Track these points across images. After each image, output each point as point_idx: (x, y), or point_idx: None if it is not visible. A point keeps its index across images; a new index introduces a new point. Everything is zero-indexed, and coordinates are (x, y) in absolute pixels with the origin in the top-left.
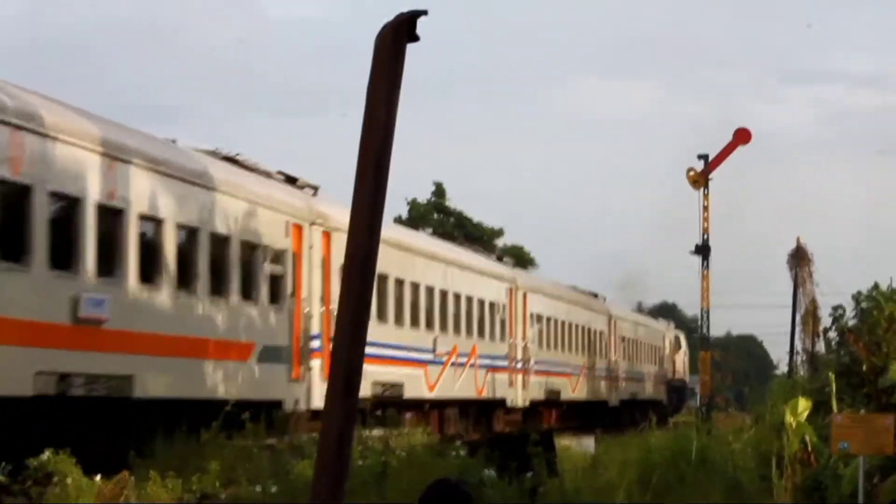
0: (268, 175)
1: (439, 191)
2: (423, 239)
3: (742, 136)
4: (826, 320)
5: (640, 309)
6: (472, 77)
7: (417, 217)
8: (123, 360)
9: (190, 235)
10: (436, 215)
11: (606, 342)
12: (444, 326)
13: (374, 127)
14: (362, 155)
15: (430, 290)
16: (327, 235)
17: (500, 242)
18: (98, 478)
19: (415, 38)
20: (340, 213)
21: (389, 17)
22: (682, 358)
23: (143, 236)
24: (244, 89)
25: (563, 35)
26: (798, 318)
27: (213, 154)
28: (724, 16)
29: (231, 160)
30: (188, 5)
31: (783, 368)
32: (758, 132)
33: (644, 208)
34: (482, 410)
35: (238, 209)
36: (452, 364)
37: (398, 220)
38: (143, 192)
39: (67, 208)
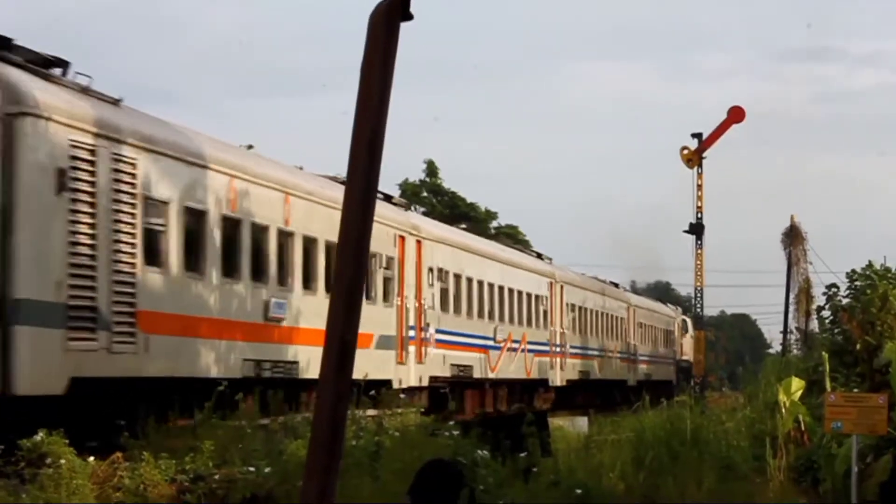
0: (381, 196)
1: (431, 169)
2: (485, 242)
3: (736, 115)
4: (820, 299)
5: (634, 288)
6: (467, 59)
7: (409, 197)
8: (294, 350)
9: (319, 245)
10: (426, 194)
11: (626, 328)
12: (501, 317)
13: (368, 106)
14: (356, 134)
15: (491, 287)
16: (419, 244)
17: (494, 224)
18: (91, 459)
19: (409, 17)
20: (427, 225)
21: None
22: (689, 341)
23: (306, 253)
24: (243, 71)
25: (559, 17)
26: (792, 297)
27: (335, 179)
28: None
29: (334, 180)
30: None
31: (777, 348)
32: (754, 111)
33: (638, 188)
34: (525, 389)
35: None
36: (508, 349)
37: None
38: (304, 219)
39: (260, 235)
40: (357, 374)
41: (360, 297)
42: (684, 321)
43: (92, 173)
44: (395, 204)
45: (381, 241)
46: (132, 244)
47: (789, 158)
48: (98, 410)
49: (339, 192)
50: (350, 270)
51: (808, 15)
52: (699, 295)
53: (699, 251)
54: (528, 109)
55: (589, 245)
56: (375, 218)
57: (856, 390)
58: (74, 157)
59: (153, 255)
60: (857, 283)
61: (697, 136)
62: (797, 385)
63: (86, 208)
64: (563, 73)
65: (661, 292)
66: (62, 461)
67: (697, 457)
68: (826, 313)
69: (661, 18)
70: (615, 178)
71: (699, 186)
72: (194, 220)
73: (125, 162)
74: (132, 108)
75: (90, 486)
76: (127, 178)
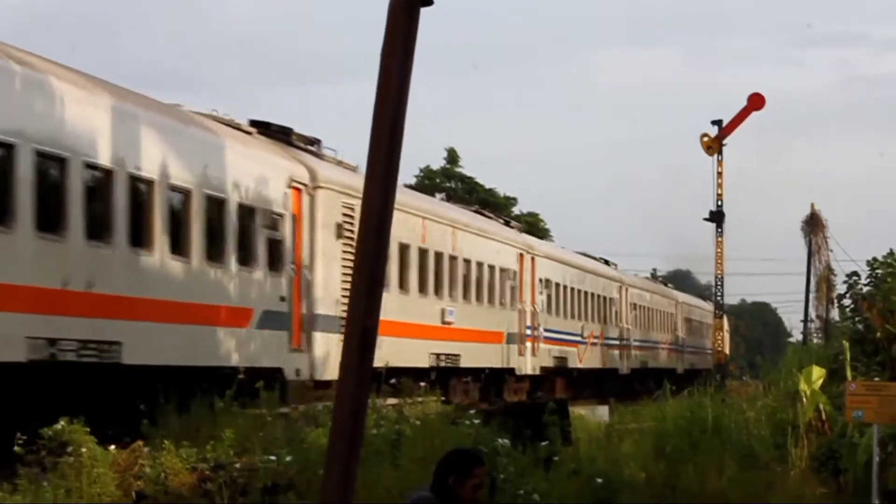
0: (504, 222)
1: (452, 156)
2: (576, 256)
3: (756, 102)
4: (841, 287)
5: (654, 276)
6: (489, 46)
7: (430, 184)
8: (458, 345)
9: (477, 266)
10: (448, 182)
11: (675, 322)
12: (586, 317)
13: (388, 93)
14: (376, 121)
15: (581, 293)
16: (533, 259)
17: (514, 210)
18: (112, 447)
19: (429, 2)
20: (538, 244)
21: None
22: (724, 335)
23: (464, 270)
24: (259, 57)
25: (581, 4)
26: (812, 286)
27: (472, 208)
28: None
29: (480, 213)
30: None
31: (798, 336)
32: (777, 97)
33: (660, 175)
34: (600, 376)
35: (495, 247)
36: (591, 343)
37: (410, 187)
38: (464, 244)
39: (439, 260)
40: (497, 364)
41: (381, 284)
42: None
43: (352, 223)
44: (515, 228)
45: (508, 258)
46: None
47: (811, 145)
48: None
49: (484, 223)
50: (371, 257)
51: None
52: (720, 283)
53: (719, 239)
54: (551, 95)
55: (611, 231)
56: (504, 240)
57: (877, 379)
58: (345, 214)
59: (385, 279)
60: (878, 271)
61: (717, 123)
62: (818, 374)
63: (351, 248)
64: (586, 59)
65: (681, 280)
66: (83, 449)
67: (718, 446)
68: (847, 302)
69: (685, 3)
70: (639, 163)
71: (719, 174)
72: (405, 252)
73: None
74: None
75: (111, 475)
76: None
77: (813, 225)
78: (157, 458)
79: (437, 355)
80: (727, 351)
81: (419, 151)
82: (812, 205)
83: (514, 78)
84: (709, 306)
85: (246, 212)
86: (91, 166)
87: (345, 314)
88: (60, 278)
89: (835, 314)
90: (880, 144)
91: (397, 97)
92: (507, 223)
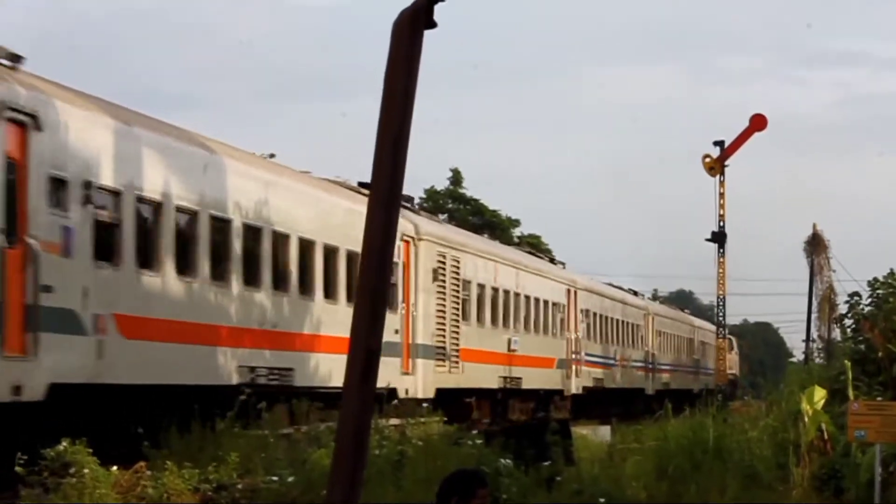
0: (549, 259)
1: (456, 178)
2: (610, 288)
3: (758, 123)
4: (843, 307)
5: (655, 297)
6: (491, 66)
7: (434, 205)
8: (520, 370)
9: (535, 301)
10: (453, 203)
11: (692, 346)
12: (618, 342)
13: (392, 114)
14: (380, 141)
15: (614, 321)
16: (577, 293)
17: (516, 232)
18: (115, 468)
19: (432, 25)
20: (580, 279)
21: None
22: (734, 357)
23: (525, 305)
24: (264, 77)
25: (582, 22)
26: (814, 306)
27: (520, 246)
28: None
29: (531, 254)
30: None
31: (799, 356)
32: (779, 116)
33: (660, 195)
34: (627, 395)
35: (549, 284)
36: (622, 365)
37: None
38: (525, 283)
39: (496, 294)
40: (550, 386)
41: (385, 305)
42: (730, 340)
43: (444, 268)
44: (561, 264)
45: (558, 293)
46: (457, 307)
47: (812, 164)
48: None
49: (539, 263)
50: (374, 278)
51: (830, 18)
52: (721, 303)
53: (721, 259)
54: (551, 114)
55: (611, 251)
56: (554, 277)
57: (879, 399)
58: (438, 261)
59: (466, 314)
60: (879, 291)
61: (719, 143)
62: (820, 394)
63: (441, 288)
64: (587, 77)
65: (684, 300)
66: (85, 470)
67: (720, 465)
68: (848, 322)
69: (684, 23)
70: (639, 183)
71: (721, 195)
72: (482, 291)
73: (454, 260)
74: (449, 225)
75: (113, 496)
76: (454, 269)
77: (815, 245)
78: (160, 479)
79: (504, 378)
80: (737, 372)
81: (420, 169)
82: (814, 225)
83: (514, 96)
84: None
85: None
86: (277, 234)
87: (439, 343)
88: (257, 320)
89: (837, 334)
90: (883, 163)
91: (401, 119)
92: (552, 261)
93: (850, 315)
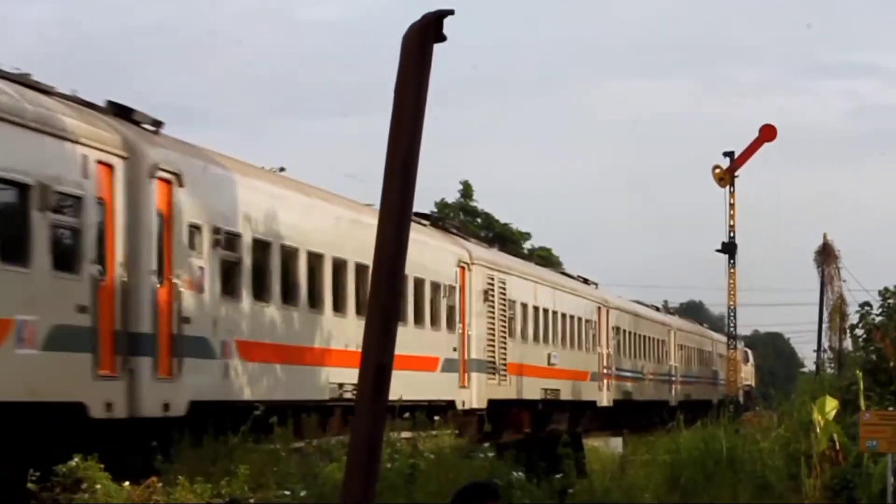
0: (582, 280)
1: (466, 190)
2: (638, 306)
3: (767, 133)
4: (854, 317)
5: (666, 307)
6: (501, 79)
7: (445, 218)
8: (559, 382)
9: (570, 319)
10: (464, 216)
11: (714, 360)
12: (645, 357)
13: (402, 128)
14: (390, 155)
15: (642, 337)
16: (608, 311)
17: (527, 245)
18: (126, 483)
19: (442, 38)
20: (611, 298)
21: (417, 17)
22: (750, 369)
23: (562, 322)
24: (274, 91)
25: (592, 36)
26: (825, 316)
27: (559, 271)
28: (754, 12)
29: (566, 274)
30: (219, 9)
31: (811, 366)
32: (790, 127)
33: (671, 207)
34: (652, 406)
35: (583, 303)
36: (648, 378)
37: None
38: (562, 301)
39: (536, 312)
40: (585, 397)
41: (396, 320)
42: (745, 352)
43: (492, 289)
44: (594, 284)
45: (590, 311)
46: (504, 325)
47: (823, 174)
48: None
49: (574, 283)
50: (385, 293)
51: (840, 30)
52: (732, 314)
53: (732, 270)
54: (560, 127)
55: (621, 262)
56: (588, 296)
57: (891, 409)
58: (488, 283)
59: (512, 332)
60: (891, 301)
61: (729, 154)
62: (831, 404)
63: (490, 308)
64: (596, 91)
65: (694, 311)
66: (97, 486)
67: (732, 476)
68: (859, 332)
69: (695, 35)
70: (649, 194)
71: (731, 205)
72: (525, 310)
73: (499, 282)
74: (495, 249)
75: None
76: (500, 290)
77: (825, 255)
78: (172, 494)
79: (545, 390)
80: (752, 384)
81: (430, 182)
82: (824, 235)
83: (524, 108)
84: (739, 345)
85: (435, 287)
86: (360, 266)
87: (490, 358)
88: (344, 342)
89: (848, 344)
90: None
91: (411, 133)
92: (585, 281)
93: (861, 325)
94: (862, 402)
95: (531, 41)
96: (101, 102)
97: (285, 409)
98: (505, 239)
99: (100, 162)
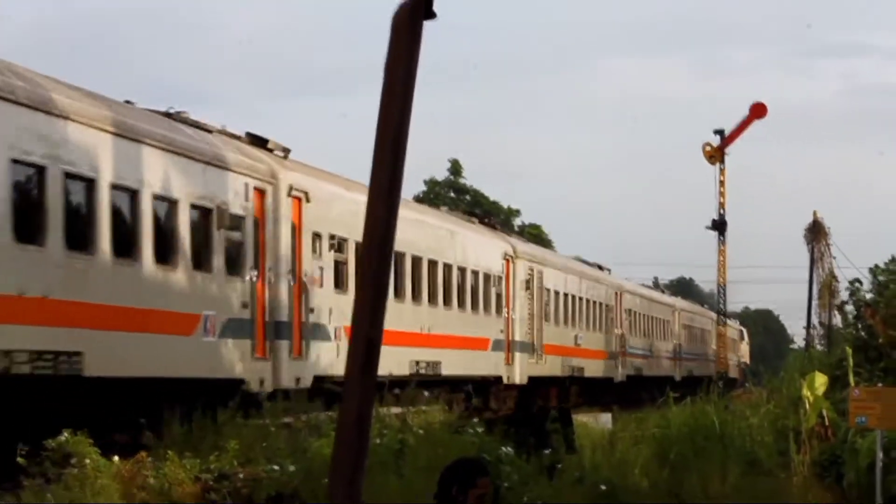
0: (598, 267)
1: (455, 168)
2: (648, 290)
3: (758, 111)
4: (844, 294)
5: (656, 285)
6: (494, 58)
7: (434, 196)
8: (583, 360)
9: (593, 304)
10: (453, 194)
11: (714, 339)
12: (654, 336)
13: (392, 106)
14: (380, 134)
15: (651, 318)
16: (622, 295)
17: (517, 222)
18: (116, 458)
19: (432, 16)
20: (625, 284)
21: None
22: (745, 347)
23: (586, 307)
24: (267, 71)
25: (586, 15)
26: (815, 293)
27: (521, 235)
28: None
29: (586, 262)
30: None
31: (800, 343)
32: (783, 106)
33: (662, 184)
34: (659, 381)
35: (602, 289)
36: (656, 356)
37: (415, 199)
38: (588, 288)
39: (566, 298)
40: (603, 374)
41: (386, 294)
42: (741, 331)
43: (532, 279)
44: (608, 270)
45: (609, 297)
46: (541, 310)
47: (815, 152)
48: (530, 390)
49: (596, 273)
50: (375, 268)
51: (835, 9)
52: (722, 291)
53: (722, 247)
54: (552, 105)
55: (612, 240)
56: (606, 283)
57: (880, 385)
58: (528, 273)
59: (547, 316)
60: (880, 277)
61: (720, 132)
62: (821, 380)
63: (530, 295)
64: (590, 68)
65: (684, 288)
66: (87, 461)
67: (722, 452)
68: (849, 308)
69: (690, 15)
70: (642, 173)
71: (721, 183)
72: (557, 297)
73: (537, 273)
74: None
75: (115, 486)
76: (538, 279)
77: (815, 232)
78: (161, 469)
79: (572, 367)
80: (748, 361)
81: (418, 160)
82: (815, 212)
83: (515, 87)
84: (737, 325)
85: (486, 277)
86: (431, 262)
87: (529, 340)
88: (419, 326)
89: (837, 321)
90: (885, 152)
91: (400, 111)
92: (599, 268)
93: (851, 302)
94: (851, 379)
95: (524, 20)
96: (241, 133)
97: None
98: (493, 217)
99: (256, 188)
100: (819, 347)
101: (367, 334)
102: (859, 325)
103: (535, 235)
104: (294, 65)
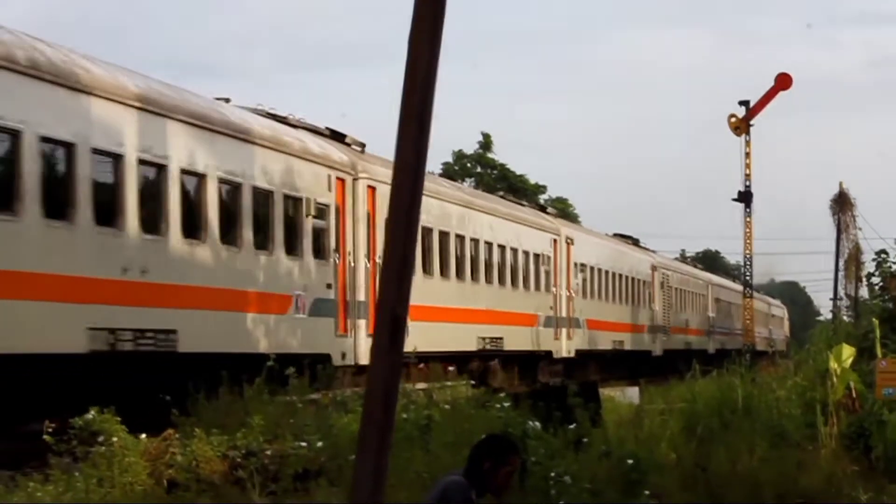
0: (631, 241)
1: (486, 142)
2: (684, 265)
3: (783, 82)
4: (870, 265)
5: (683, 257)
6: (520, 30)
7: (461, 169)
8: (624, 335)
9: (632, 280)
10: (480, 168)
11: (741, 313)
12: (686, 310)
13: (416, 78)
14: (405, 105)
15: (685, 292)
16: (658, 270)
17: (543, 197)
18: (143, 436)
19: None
20: (660, 259)
21: None
22: (786, 323)
23: (628, 284)
24: (286, 44)
25: None
26: (841, 264)
27: (569, 219)
28: None
29: (626, 239)
30: None
31: (827, 315)
32: (807, 76)
33: (689, 156)
34: (693, 354)
35: (643, 265)
36: (691, 331)
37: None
38: (633, 263)
39: (608, 276)
40: (642, 348)
41: (412, 268)
42: (782, 308)
43: (576, 258)
44: (644, 248)
45: (643, 273)
46: (584, 288)
47: (841, 123)
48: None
49: (637, 251)
50: (401, 241)
51: None
52: (748, 263)
53: (748, 219)
54: (578, 77)
55: (639, 212)
56: (642, 257)
57: None
58: (572, 252)
59: (591, 292)
60: None
61: (745, 103)
62: (848, 352)
63: (574, 273)
64: (615, 40)
65: (711, 260)
66: (114, 438)
67: (749, 425)
68: (876, 279)
69: None
70: (668, 145)
71: (747, 154)
72: (598, 274)
73: (580, 251)
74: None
75: (143, 463)
76: (581, 258)
77: (841, 203)
78: (188, 446)
79: (614, 341)
80: (788, 332)
81: (447, 134)
82: (840, 183)
83: (540, 60)
84: (779, 303)
85: (535, 257)
86: (503, 246)
87: (575, 315)
88: (486, 304)
89: (864, 292)
90: None
91: (425, 84)
92: (636, 243)
93: (877, 273)
94: (878, 350)
95: None
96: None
97: (445, 358)
98: (519, 191)
99: (338, 178)
100: (846, 319)
101: (392, 310)
102: (886, 297)
103: (561, 209)
104: (313, 38)
